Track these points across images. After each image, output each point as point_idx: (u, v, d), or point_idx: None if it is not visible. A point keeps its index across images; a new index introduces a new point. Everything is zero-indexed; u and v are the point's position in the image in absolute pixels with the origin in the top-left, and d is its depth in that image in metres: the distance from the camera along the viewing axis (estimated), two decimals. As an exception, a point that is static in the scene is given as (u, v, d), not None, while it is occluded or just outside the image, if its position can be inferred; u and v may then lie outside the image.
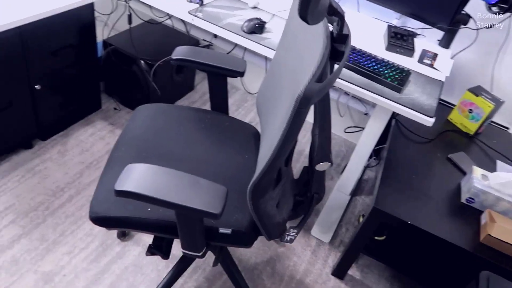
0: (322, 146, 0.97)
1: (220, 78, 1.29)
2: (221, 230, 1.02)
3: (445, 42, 1.62)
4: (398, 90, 1.28)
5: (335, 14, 0.81)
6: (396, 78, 1.30)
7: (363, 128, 2.16)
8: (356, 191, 2.00)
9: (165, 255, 1.20)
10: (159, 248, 1.19)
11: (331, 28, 0.87)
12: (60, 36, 1.61)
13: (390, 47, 1.50)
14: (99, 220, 0.99)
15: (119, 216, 0.99)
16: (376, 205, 1.30)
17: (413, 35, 1.55)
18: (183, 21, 2.09)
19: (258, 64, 2.25)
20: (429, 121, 1.22)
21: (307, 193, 1.16)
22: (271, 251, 1.63)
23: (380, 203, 1.30)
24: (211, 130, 1.28)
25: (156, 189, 0.83)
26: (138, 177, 0.84)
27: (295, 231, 1.19)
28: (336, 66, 0.93)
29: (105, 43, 1.96)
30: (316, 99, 0.74)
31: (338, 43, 0.83)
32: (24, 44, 1.47)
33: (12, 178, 1.63)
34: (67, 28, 1.62)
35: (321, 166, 1.02)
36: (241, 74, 1.25)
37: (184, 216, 0.91)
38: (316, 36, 0.84)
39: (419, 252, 1.56)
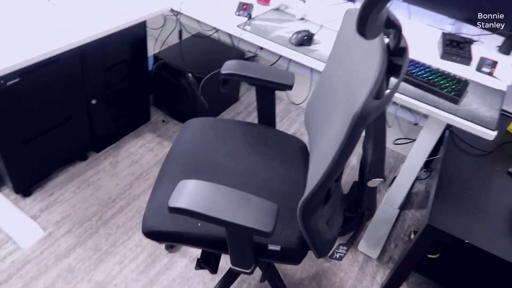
0: (376, 163, 0.94)
1: (268, 91, 1.28)
2: (270, 247, 1.01)
3: (506, 49, 1.53)
4: (455, 102, 1.21)
5: (392, 27, 0.78)
6: (453, 89, 1.23)
7: (413, 139, 2.08)
8: (406, 204, 1.92)
9: (214, 269, 1.20)
10: (208, 262, 1.20)
11: (386, 40, 0.84)
12: (115, 52, 1.68)
13: (445, 55, 1.43)
14: (151, 234, 1.01)
15: (170, 230, 1.00)
16: (431, 222, 1.23)
17: (470, 42, 1.47)
18: (229, 34, 2.12)
19: (303, 75, 2.23)
20: (490, 135, 1.14)
21: (357, 209, 1.12)
22: (317, 266, 1.59)
23: (434, 220, 1.23)
24: (259, 143, 1.27)
25: (208, 206, 0.83)
26: (190, 194, 0.85)
27: (345, 248, 1.15)
28: (392, 80, 0.89)
29: (155, 57, 2.02)
30: (373, 116, 0.71)
31: (395, 56, 0.80)
32: (83, 62, 1.55)
33: (69, 189, 1.71)
34: (122, 45, 1.70)
35: (374, 183, 0.99)
36: (289, 87, 1.24)
37: (235, 233, 0.90)
38: (371, 49, 0.82)
39: (478, 273, 1.46)
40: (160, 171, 1.17)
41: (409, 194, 1.96)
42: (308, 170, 1.05)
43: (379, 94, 0.72)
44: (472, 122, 1.16)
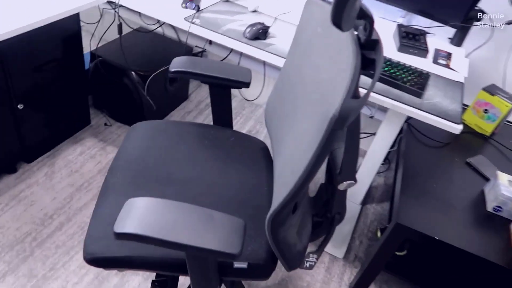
0: (348, 165, 0.86)
1: (223, 89, 1.17)
2: (236, 265, 0.90)
3: (458, 40, 1.53)
4: (419, 95, 1.17)
5: (364, 18, 0.69)
6: (416, 82, 1.19)
7: (371, 133, 2.07)
8: (366, 199, 1.89)
9: (172, 291, 1.07)
10: (164, 285, 1.07)
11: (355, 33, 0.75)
12: (44, 50, 1.47)
13: (403, 48, 1.39)
14: (95, 261, 0.86)
15: (118, 256, 0.86)
16: (399, 220, 1.19)
17: (424, 34, 1.45)
18: (174, 28, 1.97)
19: (255, 70, 2.13)
20: (456, 128, 1.11)
21: (327, 214, 1.05)
22: (282, 272, 1.51)
23: (402, 218, 1.19)
24: (216, 147, 1.15)
25: (163, 229, 0.70)
26: (141, 215, 0.72)
27: (315, 256, 1.07)
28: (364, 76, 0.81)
29: (93, 55, 1.82)
30: (353, 117, 0.62)
31: (367, 50, 0.72)
32: (4, 62, 1.33)
33: (-5, 208, 1.49)
34: (51, 41, 1.48)
35: (345, 185, 0.91)
36: (246, 84, 1.13)
37: (197, 257, 0.78)
38: (340, 43, 0.73)
39: (446, 267, 1.46)
40: (103, 185, 1.01)
41: (369, 188, 1.95)
42: (274, 177, 0.95)
43: (355, 92, 0.64)
44: (438, 116, 1.12)
